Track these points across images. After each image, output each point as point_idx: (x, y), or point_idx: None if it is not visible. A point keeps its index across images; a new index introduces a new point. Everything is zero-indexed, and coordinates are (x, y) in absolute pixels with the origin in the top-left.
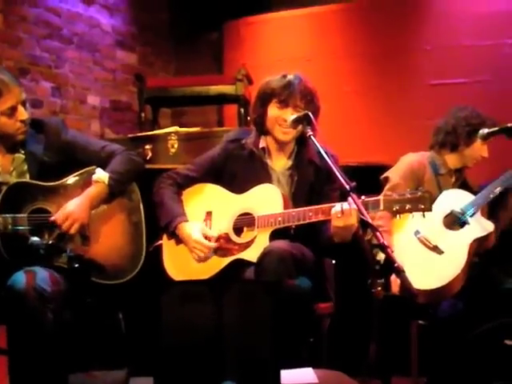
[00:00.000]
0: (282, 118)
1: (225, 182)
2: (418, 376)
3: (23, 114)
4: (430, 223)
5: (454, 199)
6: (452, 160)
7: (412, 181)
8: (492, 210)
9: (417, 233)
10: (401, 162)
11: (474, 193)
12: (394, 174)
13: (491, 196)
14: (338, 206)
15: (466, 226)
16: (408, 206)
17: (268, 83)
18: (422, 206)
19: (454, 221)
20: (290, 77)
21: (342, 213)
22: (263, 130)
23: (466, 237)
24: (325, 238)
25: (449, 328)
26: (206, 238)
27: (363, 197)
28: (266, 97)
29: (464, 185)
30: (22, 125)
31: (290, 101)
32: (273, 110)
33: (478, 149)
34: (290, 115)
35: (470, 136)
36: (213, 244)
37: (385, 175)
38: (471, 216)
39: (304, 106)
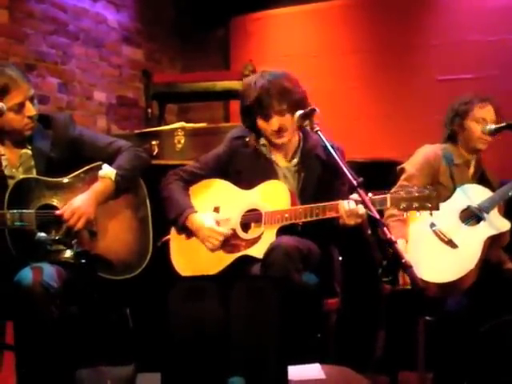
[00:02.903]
0: (269, 130)
1: (231, 179)
2: (424, 371)
3: (31, 110)
4: (447, 217)
5: (472, 194)
6: (462, 149)
7: (428, 172)
8: (509, 208)
9: (432, 225)
10: (417, 154)
11: (493, 188)
12: (410, 166)
13: (510, 194)
14: (346, 205)
15: (482, 222)
16: (415, 205)
17: (244, 97)
18: (429, 205)
19: (471, 216)
20: (261, 82)
21: (352, 212)
22: (260, 134)
23: (481, 233)
24: (334, 223)
25: (456, 323)
26: (219, 225)
27: (370, 194)
28: (248, 112)
29: (483, 178)
30: (30, 121)
31: (271, 111)
32: (260, 123)
33: (474, 127)
34: (277, 123)
35: (461, 120)
36: (227, 230)
37: (401, 166)
38: (488, 213)
39: (287, 106)
